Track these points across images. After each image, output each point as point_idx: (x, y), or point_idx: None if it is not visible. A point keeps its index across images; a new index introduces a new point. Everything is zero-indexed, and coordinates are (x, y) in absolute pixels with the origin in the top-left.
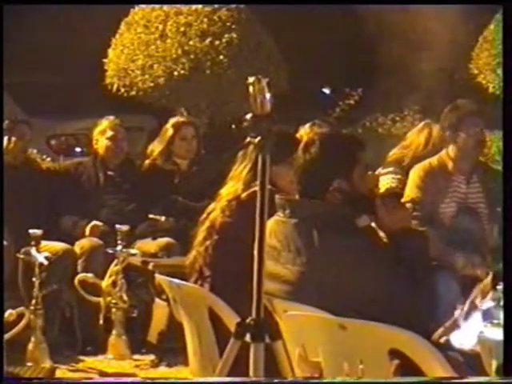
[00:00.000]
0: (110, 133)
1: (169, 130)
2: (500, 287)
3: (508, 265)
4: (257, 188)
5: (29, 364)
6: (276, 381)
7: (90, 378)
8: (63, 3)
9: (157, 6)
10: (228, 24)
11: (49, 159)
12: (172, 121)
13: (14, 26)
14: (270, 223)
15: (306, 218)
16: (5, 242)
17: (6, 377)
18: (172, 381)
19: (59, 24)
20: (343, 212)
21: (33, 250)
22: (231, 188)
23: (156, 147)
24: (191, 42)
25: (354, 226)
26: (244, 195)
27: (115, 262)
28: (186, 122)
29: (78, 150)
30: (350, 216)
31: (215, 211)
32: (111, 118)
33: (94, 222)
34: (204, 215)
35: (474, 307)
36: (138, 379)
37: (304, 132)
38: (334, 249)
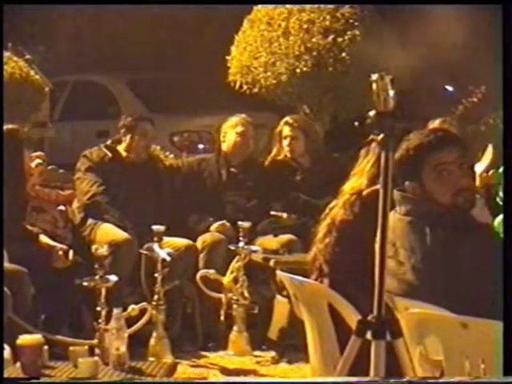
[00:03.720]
0: (240, 128)
1: (278, 127)
2: None
3: (508, 264)
4: (379, 186)
5: (151, 359)
6: (392, 381)
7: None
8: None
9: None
10: (351, 21)
11: (172, 156)
12: (283, 119)
13: (137, 26)
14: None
15: (421, 215)
16: (129, 236)
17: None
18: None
19: (182, 23)
20: (457, 210)
21: (155, 246)
22: (355, 183)
23: (274, 145)
24: (314, 39)
25: (469, 223)
26: (365, 192)
27: (237, 258)
28: (290, 122)
29: (200, 146)
30: (465, 214)
31: (337, 207)
32: (243, 115)
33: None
34: (326, 211)
35: None
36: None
37: None
38: (450, 247)
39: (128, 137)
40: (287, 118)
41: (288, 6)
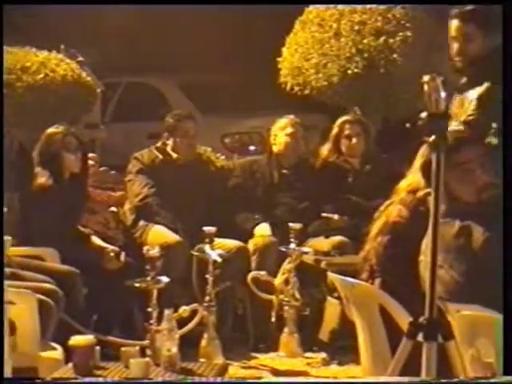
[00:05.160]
0: (289, 129)
1: (334, 128)
2: None
3: (508, 263)
4: (431, 189)
5: (201, 360)
6: (444, 381)
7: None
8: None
9: (331, 5)
10: (402, 22)
11: (223, 157)
12: (339, 119)
13: (188, 27)
14: None
15: (452, 215)
16: (180, 238)
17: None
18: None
19: (233, 23)
20: (484, 207)
21: (207, 248)
22: (411, 180)
23: (326, 146)
24: (365, 41)
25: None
26: (421, 193)
27: (288, 259)
28: (351, 121)
29: (251, 148)
30: (494, 210)
31: (392, 205)
32: (291, 116)
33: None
34: (381, 208)
35: None
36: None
37: None
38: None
39: (171, 138)
40: (348, 118)
41: (339, 7)
